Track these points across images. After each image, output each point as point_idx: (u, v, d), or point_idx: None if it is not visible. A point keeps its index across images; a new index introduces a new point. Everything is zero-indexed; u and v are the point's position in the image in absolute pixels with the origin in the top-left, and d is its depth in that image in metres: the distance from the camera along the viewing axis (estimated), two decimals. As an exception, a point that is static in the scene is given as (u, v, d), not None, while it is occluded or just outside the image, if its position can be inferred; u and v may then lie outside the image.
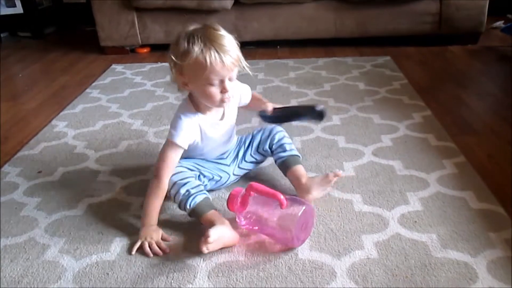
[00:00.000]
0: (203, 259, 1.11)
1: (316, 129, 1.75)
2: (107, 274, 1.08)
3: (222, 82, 1.13)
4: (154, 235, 1.16)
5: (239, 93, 1.33)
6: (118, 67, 2.67)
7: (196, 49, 1.09)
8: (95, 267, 1.10)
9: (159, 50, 2.95)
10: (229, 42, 1.13)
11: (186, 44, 1.11)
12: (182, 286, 1.04)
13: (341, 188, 1.37)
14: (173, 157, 1.20)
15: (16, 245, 1.20)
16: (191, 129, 1.21)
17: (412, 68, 2.43)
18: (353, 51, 2.76)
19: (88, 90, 2.33)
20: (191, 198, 1.19)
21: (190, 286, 1.04)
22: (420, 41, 2.81)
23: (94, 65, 2.77)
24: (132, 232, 1.22)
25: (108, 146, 1.72)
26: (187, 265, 1.10)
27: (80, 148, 1.71)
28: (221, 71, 1.11)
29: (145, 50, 3.00)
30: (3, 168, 1.59)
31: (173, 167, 1.22)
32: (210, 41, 1.10)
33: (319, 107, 1.33)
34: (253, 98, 1.40)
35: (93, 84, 2.42)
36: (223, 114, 1.29)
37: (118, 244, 1.18)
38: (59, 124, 1.93)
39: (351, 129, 1.75)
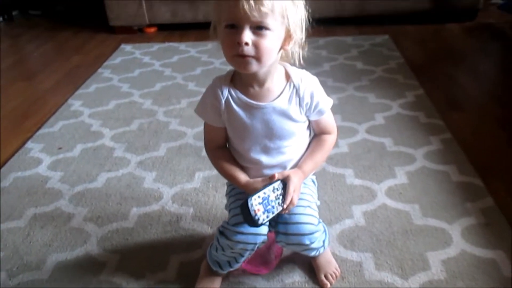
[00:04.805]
0: (210, 227, 1.26)
1: (314, 107, 1.85)
2: (127, 239, 1.24)
3: (238, 29, 0.80)
4: None
5: (301, 81, 0.91)
6: (127, 47, 2.78)
7: None
8: (116, 233, 1.26)
9: (166, 30, 3.05)
10: None
11: None
12: (191, 250, 1.19)
13: (335, 164, 1.50)
14: (208, 130, 0.99)
15: (45, 214, 1.35)
16: (210, 102, 0.93)
17: (409, 47, 2.51)
18: (353, 30, 2.84)
19: (100, 70, 2.44)
20: None
21: (199, 250, 1.19)
22: (418, 19, 2.87)
23: (105, 44, 2.88)
24: (147, 202, 1.37)
25: (122, 124, 1.85)
26: (197, 232, 1.25)
27: (96, 126, 1.84)
28: (232, 10, 0.79)
29: (152, 29, 3.09)
30: (27, 144, 1.73)
31: (213, 138, 0.99)
32: None
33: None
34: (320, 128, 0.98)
35: (105, 64, 2.53)
36: (268, 94, 0.91)
37: (136, 213, 1.33)
38: (75, 103, 2.06)
39: (347, 108, 1.87)
